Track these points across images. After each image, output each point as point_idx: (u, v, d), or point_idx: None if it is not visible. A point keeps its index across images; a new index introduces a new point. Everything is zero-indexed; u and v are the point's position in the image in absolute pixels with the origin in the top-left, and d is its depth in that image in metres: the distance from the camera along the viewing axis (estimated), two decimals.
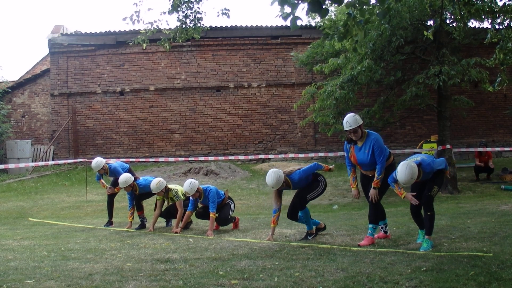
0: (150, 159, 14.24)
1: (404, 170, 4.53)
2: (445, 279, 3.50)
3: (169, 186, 6.98)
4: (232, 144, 15.82)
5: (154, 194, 6.89)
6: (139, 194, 7.22)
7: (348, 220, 7.35)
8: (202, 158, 13.17)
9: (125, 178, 7.08)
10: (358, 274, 3.76)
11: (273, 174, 5.35)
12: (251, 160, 14.72)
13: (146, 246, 5.47)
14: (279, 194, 5.60)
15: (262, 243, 5.40)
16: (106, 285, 3.71)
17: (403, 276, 3.64)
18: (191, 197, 6.52)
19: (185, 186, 6.43)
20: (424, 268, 3.81)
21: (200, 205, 6.75)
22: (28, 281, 3.83)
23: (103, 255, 4.96)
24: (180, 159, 13.92)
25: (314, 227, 5.66)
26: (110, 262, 4.59)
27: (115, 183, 7.67)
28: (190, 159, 13.79)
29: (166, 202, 7.09)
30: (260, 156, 14.00)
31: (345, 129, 5.07)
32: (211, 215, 6.36)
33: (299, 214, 5.62)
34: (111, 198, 7.82)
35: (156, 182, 6.76)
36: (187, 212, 6.60)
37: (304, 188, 5.55)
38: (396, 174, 4.62)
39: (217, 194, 6.56)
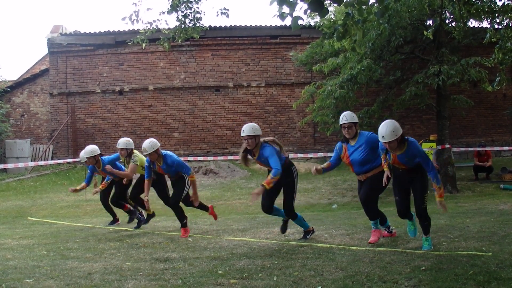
0: None
1: (385, 123, 4.49)
2: (444, 278, 3.50)
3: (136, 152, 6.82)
4: (231, 144, 15.82)
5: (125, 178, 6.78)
6: (117, 183, 7.02)
7: (347, 219, 7.36)
8: (201, 158, 13.18)
9: (90, 148, 6.87)
10: (357, 274, 3.76)
11: (251, 124, 5.23)
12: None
13: (145, 245, 5.46)
14: (245, 157, 5.38)
15: (261, 242, 5.40)
16: (105, 284, 3.70)
17: (402, 275, 3.64)
18: (147, 161, 6.17)
19: (145, 143, 6.00)
20: (423, 268, 3.82)
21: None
22: (27, 280, 3.82)
23: (102, 254, 4.96)
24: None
25: (310, 226, 5.61)
26: (109, 261, 4.59)
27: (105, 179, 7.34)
28: (189, 158, 13.77)
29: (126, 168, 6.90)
30: None
31: (341, 122, 5.06)
32: (189, 178, 6.04)
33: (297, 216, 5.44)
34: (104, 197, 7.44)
35: (126, 139, 6.71)
36: (145, 181, 6.23)
37: (287, 193, 5.29)
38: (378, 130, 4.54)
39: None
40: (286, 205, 5.30)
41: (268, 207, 5.35)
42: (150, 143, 5.97)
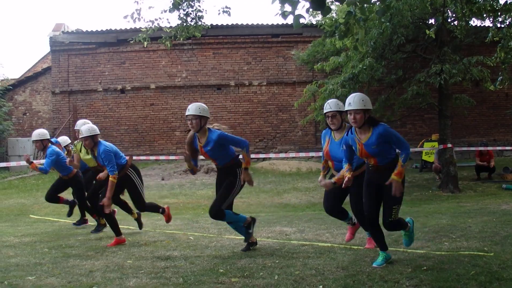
0: (151, 157, 14.23)
1: (354, 93, 4.07)
2: (446, 278, 3.49)
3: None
4: None
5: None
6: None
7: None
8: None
9: (39, 131, 6.21)
10: (358, 273, 3.76)
11: (199, 103, 4.70)
12: (251, 158, 14.70)
13: (146, 243, 5.47)
14: (191, 143, 4.81)
15: (262, 241, 5.40)
16: (106, 282, 3.71)
17: (403, 275, 3.64)
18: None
19: (83, 126, 5.29)
20: (425, 267, 3.81)
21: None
22: (29, 278, 3.83)
23: (103, 252, 4.97)
24: (181, 157, 13.89)
25: (248, 217, 4.92)
26: (111, 259, 4.60)
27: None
28: None
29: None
30: (260, 155, 13.98)
31: (324, 111, 4.50)
32: (110, 178, 5.19)
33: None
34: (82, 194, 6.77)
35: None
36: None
37: (224, 187, 4.72)
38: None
39: (116, 154, 5.36)
40: (214, 203, 4.65)
41: (215, 209, 4.61)
42: (88, 127, 5.33)
